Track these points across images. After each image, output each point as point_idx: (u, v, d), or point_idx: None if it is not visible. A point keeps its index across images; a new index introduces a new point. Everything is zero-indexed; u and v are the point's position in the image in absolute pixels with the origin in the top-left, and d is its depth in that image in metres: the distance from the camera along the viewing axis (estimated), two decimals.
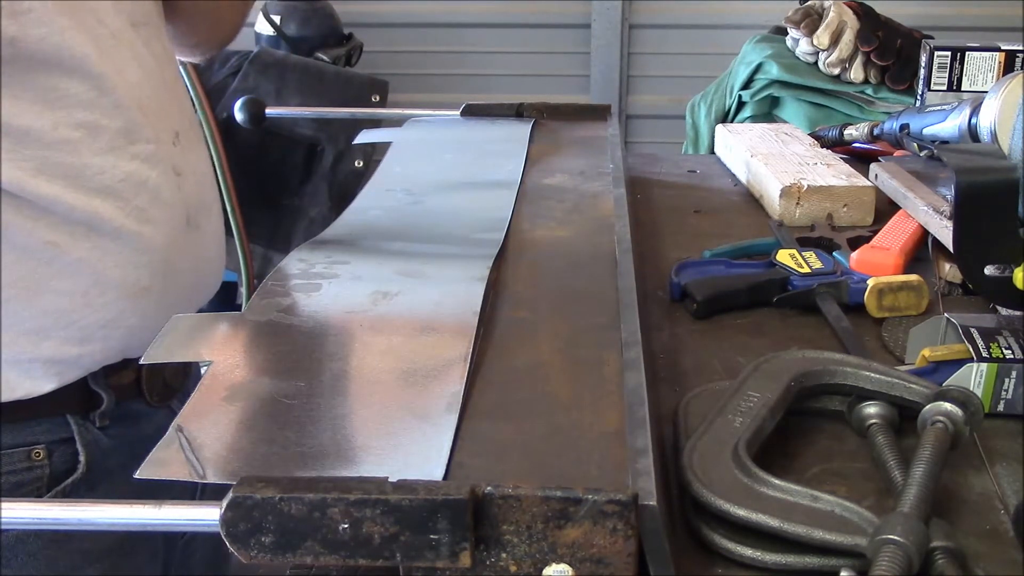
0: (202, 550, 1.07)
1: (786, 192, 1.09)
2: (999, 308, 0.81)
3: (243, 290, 2.43)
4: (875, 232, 1.01)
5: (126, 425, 0.92)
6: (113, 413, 0.90)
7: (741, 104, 1.82)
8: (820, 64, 1.71)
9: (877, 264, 0.91)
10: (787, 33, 1.76)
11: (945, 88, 1.39)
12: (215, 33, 1.10)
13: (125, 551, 0.93)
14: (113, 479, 0.90)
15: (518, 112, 1.29)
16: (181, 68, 2.22)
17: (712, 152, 1.51)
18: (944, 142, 1.16)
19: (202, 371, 1.07)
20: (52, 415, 0.87)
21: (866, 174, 1.15)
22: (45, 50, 0.77)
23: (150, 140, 0.86)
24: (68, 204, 0.80)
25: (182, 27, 1.02)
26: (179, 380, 1.00)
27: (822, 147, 1.29)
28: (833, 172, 1.14)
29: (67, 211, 0.80)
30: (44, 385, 0.83)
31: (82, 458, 0.88)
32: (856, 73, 1.67)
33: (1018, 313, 0.75)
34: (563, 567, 0.45)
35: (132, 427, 0.93)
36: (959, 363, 0.69)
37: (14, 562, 0.85)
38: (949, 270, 0.92)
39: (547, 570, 0.45)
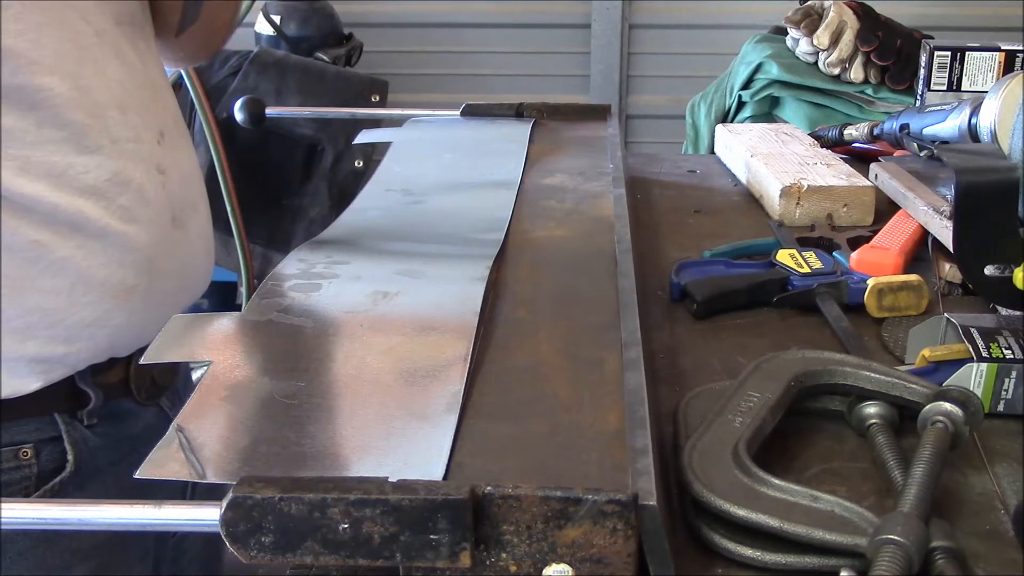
0: (194, 549, 1.07)
1: (786, 192, 1.09)
2: (999, 308, 0.81)
3: (243, 290, 2.43)
4: (875, 232, 1.01)
5: (114, 424, 0.92)
6: (101, 412, 0.90)
7: (741, 104, 1.82)
8: (820, 64, 1.71)
9: (877, 264, 0.91)
10: (787, 33, 1.76)
11: (945, 88, 1.39)
12: (206, 48, 1.10)
13: (115, 549, 0.93)
14: (102, 478, 0.90)
15: (518, 112, 1.29)
16: (182, 69, 2.22)
17: (712, 152, 1.51)
18: (944, 142, 1.16)
19: (191, 370, 1.07)
20: (39, 414, 0.86)
21: (866, 174, 1.15)
22: (23, 47, 0.77)
23: (133, 139, 0.86)
24: (52, 203, 0.79)
25: (175, 43, 1.01)
26: (167, 378, 1.00)
27: (822, 147, 1.29)
28: (833, 172, 1.14)
29: (51, 210, 0.80)
30: (30, 384, 0.83)
31: (70, 457, 0.88)
32: (856, 73, 1.67)
33: (1018, 313, 0.75)
34: (563, 567, 0.45)
35: (121, 425, 0.93)
36: (959, 363, 0.69)
37: (3, 561, 0.85)
38: (949, 270, 0.92)
39: (547, 570, 0.45)
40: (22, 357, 0.82)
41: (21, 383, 0.83)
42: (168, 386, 1.00)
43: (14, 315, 0.80)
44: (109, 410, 0.91)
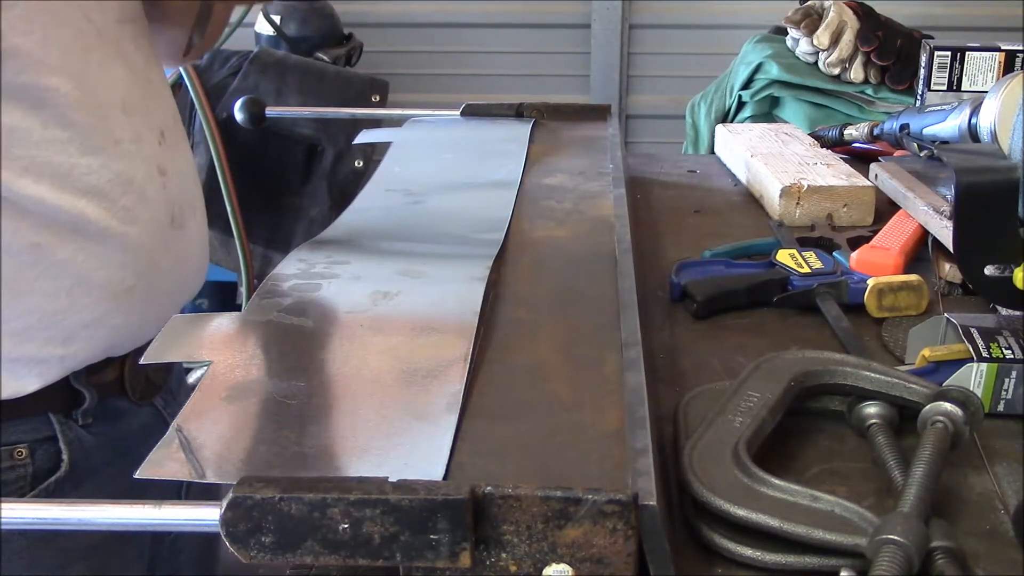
0: (190, 548, 1.07)
1: (786, 192, 1.09)
2: (999, 308, 0.81)
3: (243, 290, 2.43)
4: (875, 232, 1.01)
5: (109, 423, 0.92)
6: (96, 411, 0.90)
7: (741, 104, 1.82)
8: (820, 64, 1.71)
9: (877, 264, 0.91)
10: (787, 33, 1.76)
11: (945, 88, 1.39)
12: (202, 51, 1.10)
13: (111, 549, 0.93)
14: (98, 477, 0.90)
15: (518, 112, 1.29)
16: (182, 68, 2.22)
17: (712, 152, 1.51)
18: (944, 142, 1.16)
19: (187, 371, 1.07)
20: (34, 414, 0.86)
21: (866, 174, 1.15)
22: (30, 46, 0.77)
23: (136, 139, 0.86)
24: (55, 204, 0.79)
25: (171, 34, 1.01)
26: (161, 377, 1.00)
27: (822, 147, 1.29)
28: (833, 172, 1.14)
29: (54, 212, 0.79)
30: (28, 385, 0.83)
31: (65, 456, 0.88)
32: (856, 73, 1.67)
33: (1018, 313, 0.75)
34: (563, 567, 0.45)
35: (115, 425, 0.93)
36: (959, 363, 0.69)
37: (0, 561, 0.85)
38: (949, 270, 0.92)
39: (547, 570, 0.45)
40: (20, 358, 0.82)
41: (20, 384, 0.83)
42: (162, 385, 1.00)
43: (13, 317, 0.80)
44: (104, 409, 0.91)
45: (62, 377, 0.86)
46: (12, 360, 0.82)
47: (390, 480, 0.45)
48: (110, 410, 0.93)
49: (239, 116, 1.29)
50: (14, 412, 0.84)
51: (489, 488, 0.44)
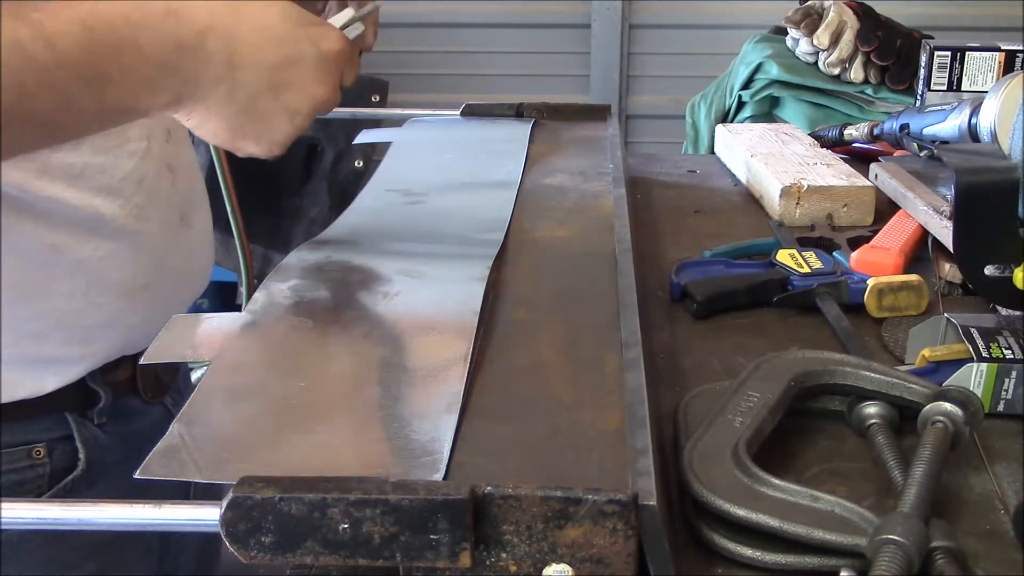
0: (190, 546, 1.07)
1: (786, 192, 1.09)
2: (999, 308, 0.81)
3: (243, 290, 2.43)
4: (875, 232, 1.01)
5: (122, 422, 0.93)
6: (110, 410, 0.91)
7: (741, 104, 1.82)
8: (820, 64, 1.71)
9: (877, 264, 0.90)
10: (787, 33, 1.76)
11: (945, 88, 1.39)
12: None
13: (119, 547, 0.93)
14: (111, 476, 0.91)
15: (518, 112, 1.29)
16: None
17: (712, 152, 1.51)
18: (944, 142, 1.16)
19: (191, 370, 1.07)
20: (51, 413, 0.87)
21: (866, 174, 1.15)
22: None
23: (145, 137, 0.87)
24: (71, 204, 0.80)
25: None
26: (170, 376, 1.01)
27: (822, 147, 1.29)
28: (833, 172, 1.14)
29: (70, 211, 0.80)
30: (46, 384, 0.84)
31: (82, 455, 0.89)
32: (856, 73, 1.67)
33: (1018, 313, 0.75)
34: (563, 567, 0.45)
35: (128, 424, 0.93)
36: (959, 363, 0.69)
37: (16, 559, 0.85)
38: (949, 270, 0.92)
39: (547, 570, 0.45)
40: (38, 358, 0.83)
41: (37, 384, 0.84)
42: (170, 384, 1.01)
43: (31, 318, 0.81)
44: (117, 409, 0.92)
45: (80, 377, 0.86)
46: (31, 360, 0.83)
47: (390, 480, 0.45)
48: (123, 409, 0.93)
49: None
50: (31, 412, 0.85)
51: (489, 488, 0.44)
